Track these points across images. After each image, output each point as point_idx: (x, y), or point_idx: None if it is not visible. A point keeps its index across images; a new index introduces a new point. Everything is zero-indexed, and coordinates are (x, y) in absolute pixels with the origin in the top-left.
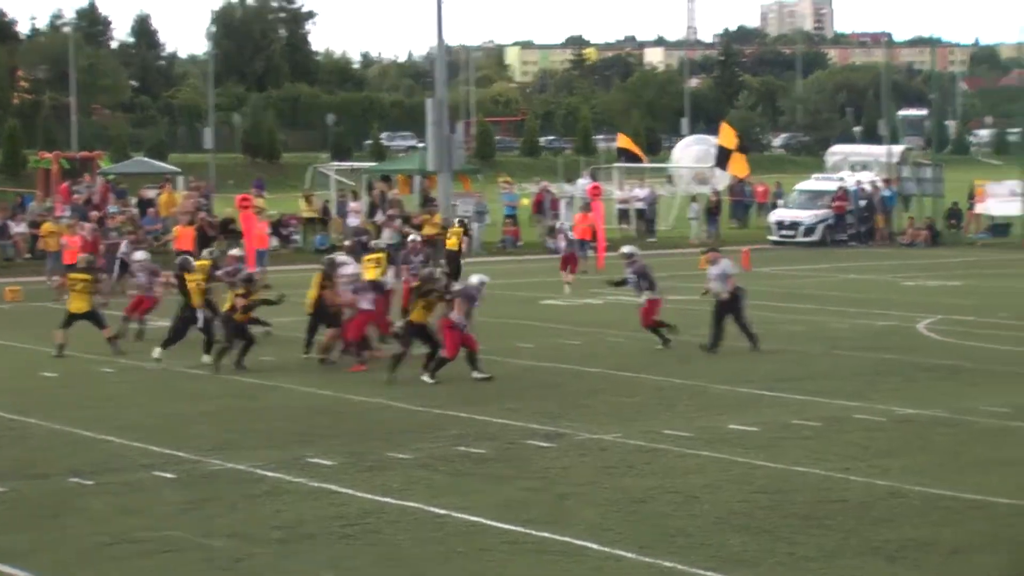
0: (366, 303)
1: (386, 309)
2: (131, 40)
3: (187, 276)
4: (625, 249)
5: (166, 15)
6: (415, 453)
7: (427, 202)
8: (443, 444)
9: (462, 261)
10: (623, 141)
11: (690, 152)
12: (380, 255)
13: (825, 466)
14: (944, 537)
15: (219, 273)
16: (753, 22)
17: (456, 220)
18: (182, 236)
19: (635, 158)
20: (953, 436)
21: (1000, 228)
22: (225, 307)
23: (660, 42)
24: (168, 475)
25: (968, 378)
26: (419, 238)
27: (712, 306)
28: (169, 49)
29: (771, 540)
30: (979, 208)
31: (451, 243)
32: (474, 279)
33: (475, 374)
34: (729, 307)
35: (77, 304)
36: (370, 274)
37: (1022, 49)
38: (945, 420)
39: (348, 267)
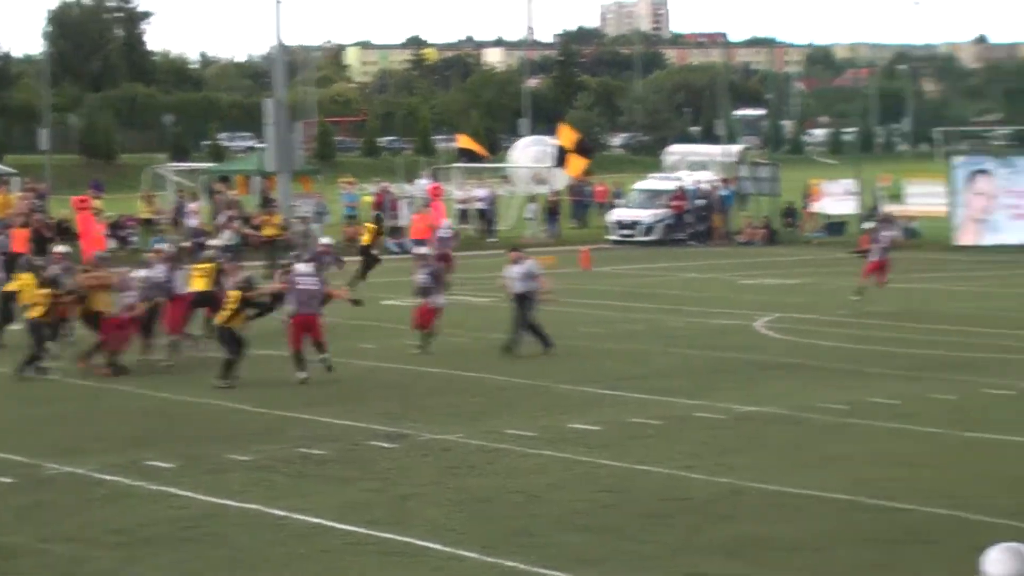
0: (139, 308)
1: (195, 314)
2: None
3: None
4: (420, 250)
5: (0, 14)
6: (256, 455)
7: (266, 203)
8: (284, 446)
9: (378, 256)
10: (464, 141)
11: (528, 152)
12: (209, 265)
13: (667, 464)
14: (784, 533)
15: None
16: (593, 22)
17: (374, 215)
18: (16, 238)
19: (477, 158)
20: (792, 433)
21: (835, 227)
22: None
23: (499, 42)
24: (5, 480)
25: (806, 375)
26: (330, 240)
27: (511, 303)
28: (3, 49)
29: (614, 538)
30: (815, 207)
31: (365, 239)
32: (300, 267)
33: (299, 374)
34: (522, 305)
35: None
36: (197, 284)
37: (856, 50)
38: (784, 417)
39: (143, 271)
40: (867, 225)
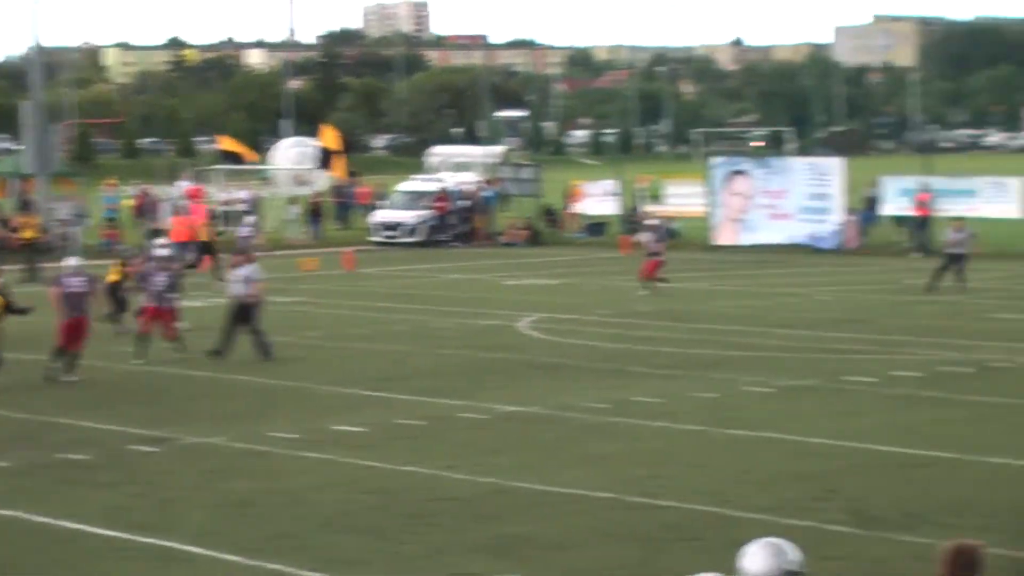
0: None
1: None
2: None
3: None
4: (161, 252)
5: None
6: (15, 461)
7: (25, 206)
8: (45, 451)
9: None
10: (227, 143)
11: (289, 154)
12: None
13: (431, 465)
14: (546, 531)
15: None
16: (355, 24)
17: (212, 211)
18: None
19: (239, 159)
20: (555, 432)
21: (596, 227)
22: None
23: (260, 44)
24: None
25: (567, 375)
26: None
27: (227, 309)
28: None
29: (378, 539)
30: (576, 208)
31: (203, 235)
32: (68, 266)
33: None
34: (244, 313)
35: None
36: None
37: (615, 52)
38: (547, 416)
39: None
40: (650, 222)
